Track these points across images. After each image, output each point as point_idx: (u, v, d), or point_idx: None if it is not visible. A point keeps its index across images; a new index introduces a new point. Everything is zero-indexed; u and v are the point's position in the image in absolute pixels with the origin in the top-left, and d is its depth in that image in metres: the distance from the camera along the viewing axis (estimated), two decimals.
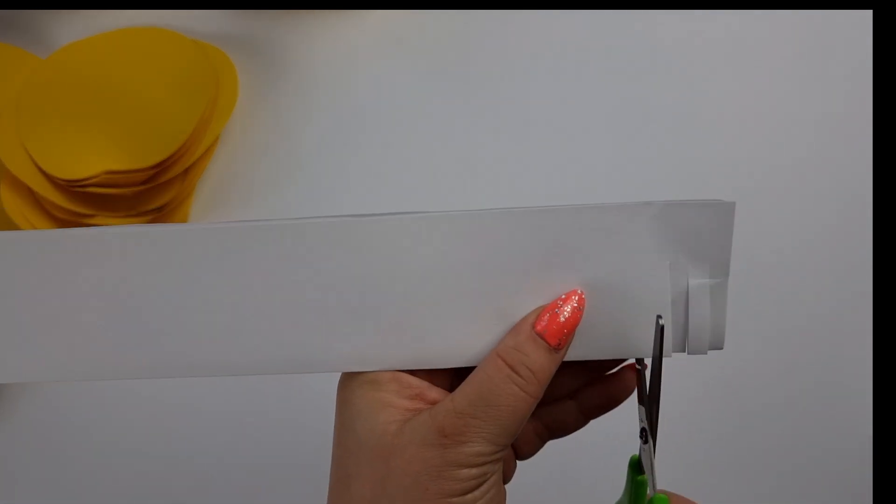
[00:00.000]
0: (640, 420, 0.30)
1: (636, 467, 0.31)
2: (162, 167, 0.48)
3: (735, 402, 0.50)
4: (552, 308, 0.28)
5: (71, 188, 0.47)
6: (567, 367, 0.30)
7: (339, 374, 0.30)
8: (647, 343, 0.30)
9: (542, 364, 0.28)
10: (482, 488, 0.27)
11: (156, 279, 0.28)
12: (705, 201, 0.29)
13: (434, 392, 0.29)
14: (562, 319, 0.28)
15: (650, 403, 0.29)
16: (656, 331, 0.28)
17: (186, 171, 0.50)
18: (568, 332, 0.28)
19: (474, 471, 0.27)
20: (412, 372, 0.29)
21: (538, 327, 0.28)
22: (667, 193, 0.51)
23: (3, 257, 0.28)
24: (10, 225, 0.48)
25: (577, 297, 0.28)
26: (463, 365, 0.29)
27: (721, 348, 0.31)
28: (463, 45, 0.53)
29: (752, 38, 0.52)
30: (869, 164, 0.50)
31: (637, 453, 0.31)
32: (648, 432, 0.29)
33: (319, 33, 0.53)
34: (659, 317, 0.28)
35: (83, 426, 0.51)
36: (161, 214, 0.50)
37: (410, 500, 0.27)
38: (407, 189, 0.52)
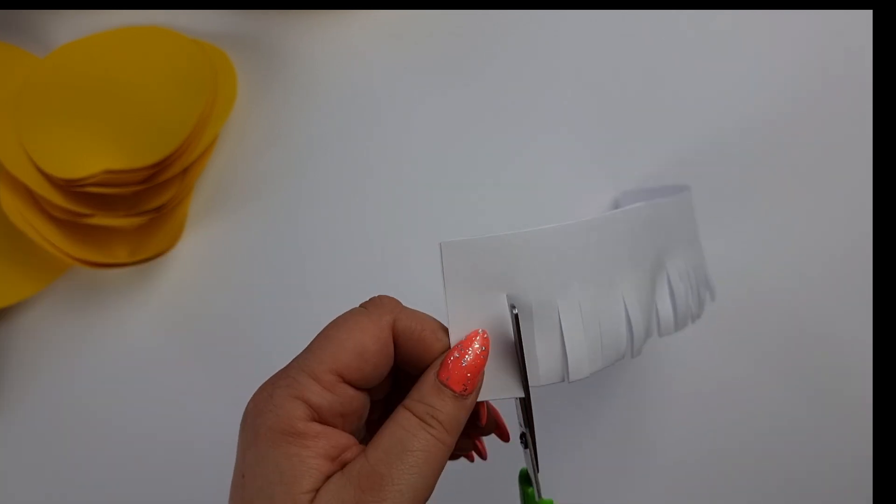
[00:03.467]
0: (520, 424, 0.29)
1: (526, 479, 0.30)
2: (160, 166, 0.48)
3: (732, 409, 0.50)
4: (452, 353, 0.27)
5: (70, 188, 0.47)
6: None
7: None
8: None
9: (449, 412, 0.26)
10: None
11: None
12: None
13: (356, 451, 0.27)
14: (464, 364, 0.27)
15: (524, 403, 0.28)
16: (512, 319, 0.27)
17: (185, 170, 0.49)
18: (472, 376, 0.27)
19: None
20: (345, 419, 0.27)
21: (442, 375, 0.27)
22: (664, 193, 0.51)
23: None
24: (9, 225, 0.48)
25: (479, 339, 0.27)
26: None
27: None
28: (462, 45, 0.53)
29: (752, 38, 0.52)
30: (869, 163, 0.50)
31: (525, 465, 0.29)
32: (528, 436, 0.28)
33: (319, 33, 0.53)
34: (512, 306, 0.27)
35: (82, 432, 0.51)
36: (160, 214, 0.50)
37: None
38: (406, 189, 0.52)
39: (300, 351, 0.28)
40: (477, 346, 0.27)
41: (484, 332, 0.27)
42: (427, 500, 0.26)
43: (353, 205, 0.51)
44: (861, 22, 0.51)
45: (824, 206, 0.51)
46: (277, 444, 0.25)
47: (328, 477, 0.25)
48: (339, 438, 0.26)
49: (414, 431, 0.26)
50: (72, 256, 0.48)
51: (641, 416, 0.50)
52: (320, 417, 0.26)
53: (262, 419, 0.26)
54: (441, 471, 0.26)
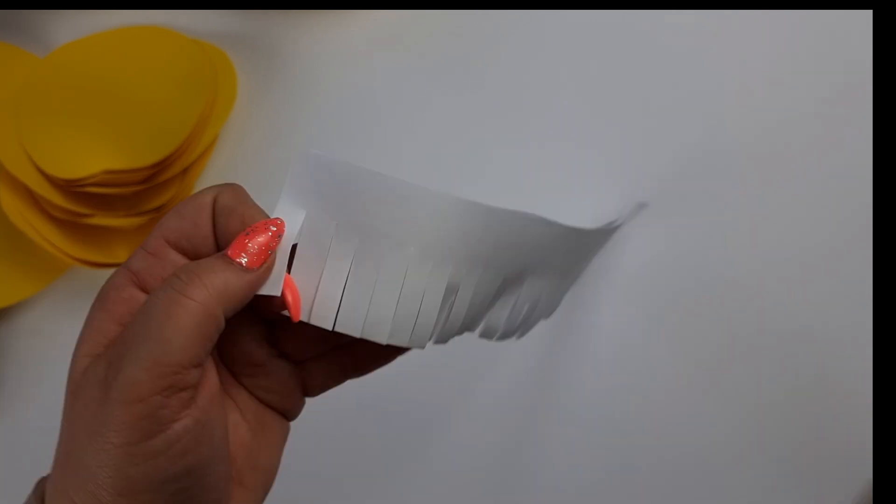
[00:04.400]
0: None
1: None
2: (161, 166, 0.48)
3: (729, 406, 0.50)
4: (242, 235, 0.25)
5: (70, 188, 0.47)
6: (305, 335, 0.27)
7: None
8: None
9: (202, 272, 0.24)
10: (164, 436, 0.22)
11: None
12: None
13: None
14: (249, 243, 0.25)
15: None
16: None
17: (185, 170, 0.49)
18: (258, 252, 0.25)
19: (137, 407, 0.21)
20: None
21: (226, 252, 0.25)
22: (663, 194, 0.51)
23: None
24: (9, 225, 0.48)
25: (275, 224, 0.25)
26: None
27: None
28: (462, 45, 0.53)
29: (751, 38, 0.52)
30: (869, 164, 0.50)
31: None
32: None
33: (319, 33, 0.53)
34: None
35: None
36: (160, 214, 0.50)
37: (97, 458, 0.22)
38: None
39: None
40: (270, 231, 0.25)
41: (281, 220, 0.26)
42: (179, 372, 0.22)
43: None
44: (861, 22, 0.51)
45: (823, 206, 0.51)
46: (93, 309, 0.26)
47: None
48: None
49: (160, 293, 0.23)
50: (72, 256, 0.48)
51: (631, 416, 0.50)
52: (139, 282, 0.26)
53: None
54: (203, 335, 0.23)
